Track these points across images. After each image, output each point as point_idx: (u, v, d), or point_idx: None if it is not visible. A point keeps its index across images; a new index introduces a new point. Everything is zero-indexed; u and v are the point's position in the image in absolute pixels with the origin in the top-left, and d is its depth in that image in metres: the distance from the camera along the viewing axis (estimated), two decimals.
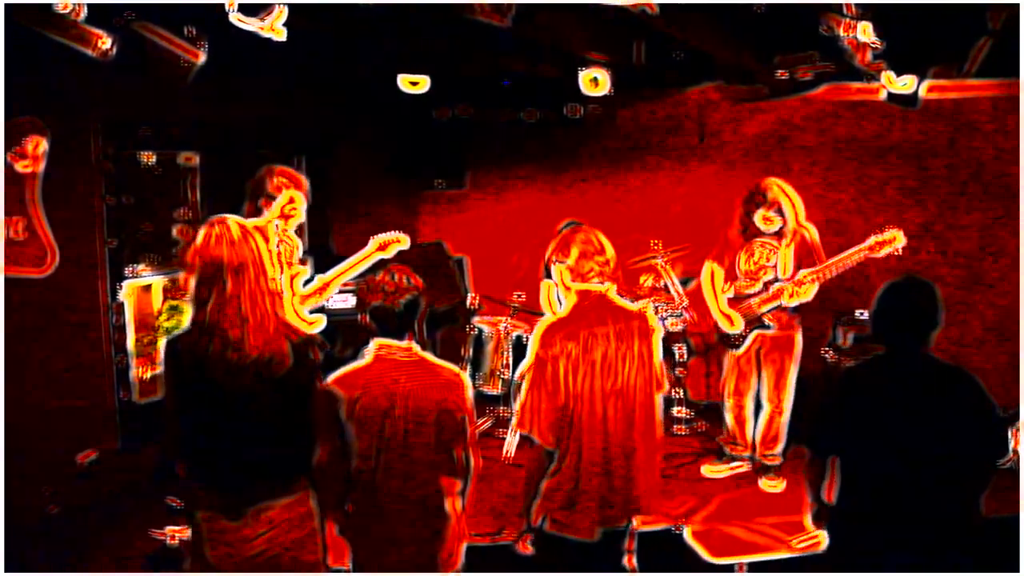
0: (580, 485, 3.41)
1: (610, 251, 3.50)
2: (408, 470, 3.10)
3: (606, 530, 3.47)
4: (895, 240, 5.24)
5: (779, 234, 5.52)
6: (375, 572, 3.13)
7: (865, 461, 3.08)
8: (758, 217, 5.50)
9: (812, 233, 5.55)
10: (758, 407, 5.78)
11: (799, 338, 5.64)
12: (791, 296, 5.44)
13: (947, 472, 3.06)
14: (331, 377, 3.14)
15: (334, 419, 3.08)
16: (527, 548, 3.58)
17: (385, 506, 3.10)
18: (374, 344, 3.18)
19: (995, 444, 3.24)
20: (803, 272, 5.42)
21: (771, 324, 5.57)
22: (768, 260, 5.53)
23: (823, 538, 3.32)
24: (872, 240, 5.27)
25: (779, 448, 5.67)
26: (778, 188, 5.51)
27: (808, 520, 3.35)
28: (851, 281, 5.84)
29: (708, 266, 5.75)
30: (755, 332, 5.61)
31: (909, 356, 3.10)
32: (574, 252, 3.47)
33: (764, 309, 5.54)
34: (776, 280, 5.51)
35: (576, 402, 3.37)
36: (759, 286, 5.56)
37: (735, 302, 5.64)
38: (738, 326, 5.59)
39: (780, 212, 5.46)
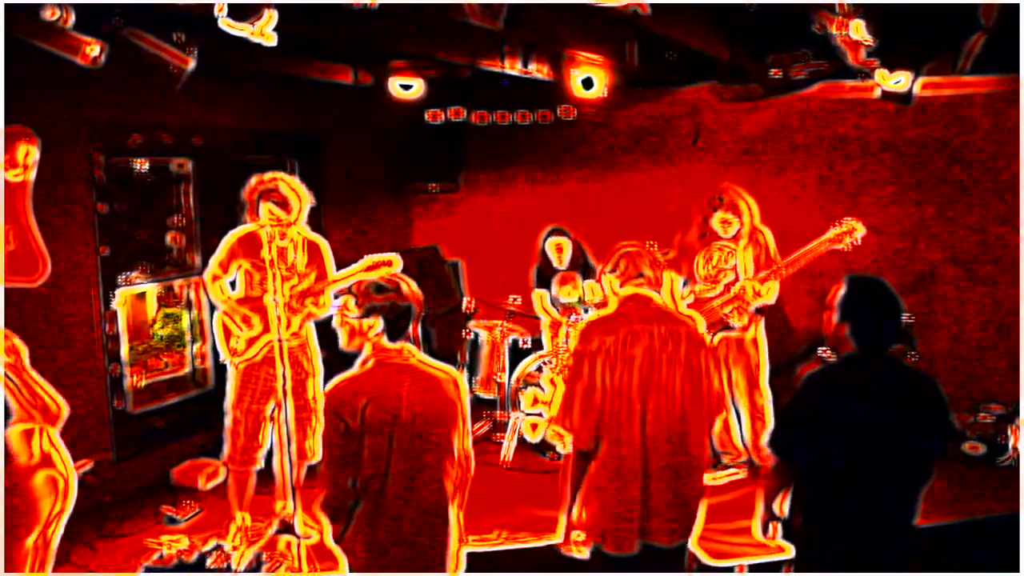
0: (622, 492, 3.37)
1: (659, 269, 3.63)
2: (417, 474, 3.07)
3: (646, 543, 3.40)
4: (855, 230, 5.33)
5: (736, 237, 5.57)
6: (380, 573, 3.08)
7: (825, 464, 3.04)
8: (716, 220, 5.56)
9: (767, 237, 5.63)
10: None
11: (763, 337, 5.68)
12: (755, 295, 5.46)
13: (902, 474, 3.03)
14: (331, 385, 3.08)
15: (335, 429, 3.02)
16: (578, 550, 3.48)
17: (395, 511, 3.06)
18: (369, 348, 3.14)
19: (945, 444, 3.23)
20: (765, 271, 5.48)
21: (733, 325, 5.58)
22: (726, 263, 5.58)
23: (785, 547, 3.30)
24: (832, 232, 5.36)
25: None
26: (734, 192, 5.59)
27: (758, 531, 3.32)
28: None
29: (666, 276, 5.75)
30: (719, 336, 5.62)
31: (876, 359, 3.05)
32: (622, 264, 3.58)
33: (727, 309, 5.55)
34: (737, 281, 5.54)
35: (614, 398, 3.34)
36: (719, 288, 5.58)
37: (695, 306, 5.58)
38: (700, 329, 5.58)
39: (737, 214, 5.52)
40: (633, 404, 3.36)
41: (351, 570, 3.10)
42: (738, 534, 4.86)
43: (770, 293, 5.53)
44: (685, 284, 5.67)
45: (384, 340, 3.13)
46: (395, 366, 3.11)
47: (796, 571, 3.20)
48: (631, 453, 3.36)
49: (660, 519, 3.39)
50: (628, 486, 3.37)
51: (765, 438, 5.60)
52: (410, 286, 3.21)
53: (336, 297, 3.38)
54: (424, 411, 3.08)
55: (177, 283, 6.62)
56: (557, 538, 3.57)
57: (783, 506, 3.22)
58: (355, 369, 3.13)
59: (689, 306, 5.56)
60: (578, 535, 3.48)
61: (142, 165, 6.09)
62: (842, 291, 3.09)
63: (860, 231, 5.34)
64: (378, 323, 3.12)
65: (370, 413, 2.99)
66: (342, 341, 3.20)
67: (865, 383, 3.00)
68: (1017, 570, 3.61)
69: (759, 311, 5.63)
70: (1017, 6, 4.57)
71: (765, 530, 3.28)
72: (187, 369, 6.63)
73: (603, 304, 3.68)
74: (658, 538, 3.41)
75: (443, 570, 3.18)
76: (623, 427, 3.36)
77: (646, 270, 3.55)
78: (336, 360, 5.03)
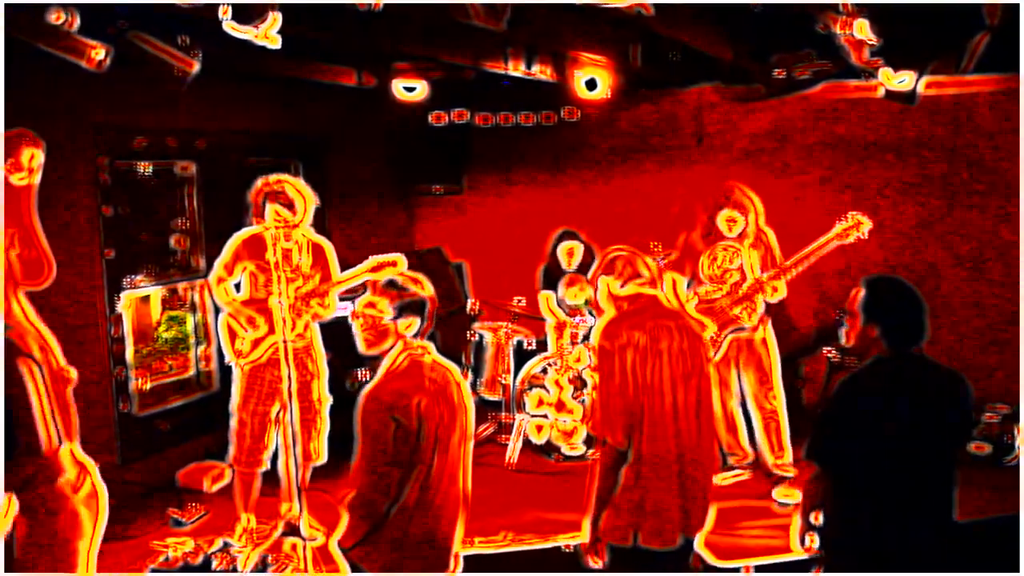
0: (657, 487, 3.36)
1: (653, 268, 3.62)
2: (447, 466, 3.08)
3: (687, 538, 3.43)
4: (861, 225, 5.30)
5: (741, 236, 5.55)
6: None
7: (866, 467, 3.02)
8: (721, 218, 5.54)
9: (771, 237, 5.63)
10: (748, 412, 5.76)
11: (772, 337, 5.66)
12: (773, 291, 5.47)
13: (940, 471, 3.01)
14: (373, 389, 3.01)
15: (384, 432, 2.95)
16: (596, 560, 3.44)
17: (427, 505, 3.05)
18: (400, 347, 3.10)
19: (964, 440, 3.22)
20: (773, 270, 5.48)
21: (744, 326, 5.56)
22: (731, 263, 5.54)
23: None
24: (839, 227, 5.33)
25: (788, 456, 5.62)
26: (740, 190, 5.58)
27: (796, 542, 3.30)
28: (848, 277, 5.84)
29: (668, 276, 5.72)
30: (729, 337, 5.59)
31: (907, 358, 3.01)
32: (618, 265, 3.56)
33: (736, 310, 5.53)
34: (744, 281, 5.53)
35: (646, 394, 3.35)
36: (726, 288, 5.56)
37: (704, 307, 5.57)
38: (711, 331, 5.54)
39: (743, 212, 5.51)
40: (665, 398, 3.37)
41: (361, 570, 3.08)
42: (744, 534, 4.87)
43: (782, 289, 5.51)
44: (689, 285, 5.65)
45: (414, 338, 3.13)
46: (425, 363, 3.11)
47: (826, 571, 3.18)
48: (665, 446, 3.36)
49: (695, 511, 3.42)
50: (666, 480, 3.36)
51: (786, 446, 5.61)
52: (423, 282, 3.23)
53: (349, 300, 3.36)
54: (453, 402, 3.11)
55: (181, 286, 6.62)
56: (583, 538, 3.53)
57: (817, 516, 3.19)
58: (389, 370, 3.06)
59: (696, 307, 5.56)
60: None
61: (146, 168, 6.11)
62: (863, 294, 3.04)
63: (866, 225, 5.30)
64: (415, 321, 3.12)
65: (424, 409, 2.97)
66: (367, 343, 3.10)
67: (902, 383, 2.97)
68: (1017, 570, 3.59)
69: (767, 311, 5.60)
70: (1019, 6, 4.56)
71: (803, 541, 3.25)
72: (191, 372, 6.63)
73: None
74: (695, 531, 3.46)
75: (448, 564, 3.17)
76: (657, 421, 3.36)
77: (643, 270, 3.55)
78: (340, 362, 5.05)
